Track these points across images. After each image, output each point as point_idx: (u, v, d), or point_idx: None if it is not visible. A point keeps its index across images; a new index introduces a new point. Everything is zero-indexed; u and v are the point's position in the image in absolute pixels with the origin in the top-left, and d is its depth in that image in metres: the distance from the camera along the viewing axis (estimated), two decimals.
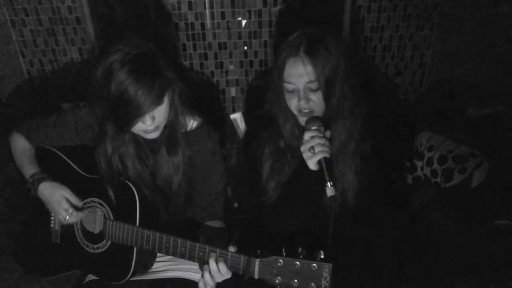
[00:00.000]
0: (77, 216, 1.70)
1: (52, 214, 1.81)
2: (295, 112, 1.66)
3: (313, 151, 1.52)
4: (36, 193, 1.72)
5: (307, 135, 1.56)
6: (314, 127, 1.57)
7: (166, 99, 1.54)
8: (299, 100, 1.61)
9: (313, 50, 1.57)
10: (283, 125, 1.73)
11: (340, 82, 1.61)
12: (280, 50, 1.65)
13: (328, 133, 1.60)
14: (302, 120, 1.65)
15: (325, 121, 1.63)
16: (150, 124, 1.52)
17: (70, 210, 1.68)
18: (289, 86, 1.62)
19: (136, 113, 1.47)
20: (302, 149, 1.56)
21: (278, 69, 1.64)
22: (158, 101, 1.49)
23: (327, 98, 1.61)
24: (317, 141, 1.53)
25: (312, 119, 1.60)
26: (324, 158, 1.52)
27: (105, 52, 1.49)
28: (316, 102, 1.61)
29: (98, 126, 1.66)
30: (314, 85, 1.59)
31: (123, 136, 1.63)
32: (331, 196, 1.50)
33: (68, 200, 1.69)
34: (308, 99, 1.60)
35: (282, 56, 1.63)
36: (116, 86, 1.43)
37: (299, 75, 1.58)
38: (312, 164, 1.55)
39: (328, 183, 1.50)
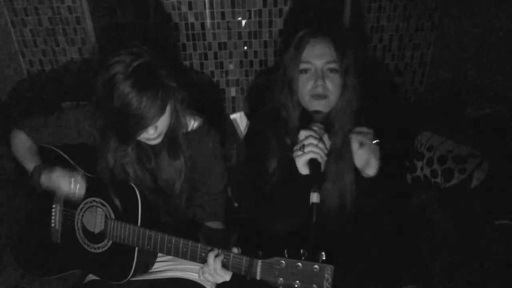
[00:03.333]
0: (81, 183, 1.71)
1: (53, 213, 1.81)
2: (307, 97, 1.65)
3: (303, 150, 1.48)
4: (39, 185, 1.72)
5: (302, 134, 1.52)
6: (314, 128, 1.54)
7: (168, 108, 1.54)
8: (315, 81, 1.61)
9: (334, 33, 1.62)
10: (292, 113, 1.72)
11: (354, 71, 1.63)
12: (297, 36, 1.66)
13: (326, 137, 1.55)
14: (313, 106, 1.65)
15: (328, 127, 1.61)
16: (153, 133, 1.53)
17: (72, 185, 1.69)
18: (307, 66, 1.62)
19: (140, 126, 1.47)
20: (294, 148, 1.52)
21: (294, 52, 1.64)
22: (161, 112, 1.49)
23: (344, 82, 1.62)
24: (310, 140, 1.48)
25: (316, 123, 1.58)
26: (312, 160, 1.47)
27: (106, 62, 1.47)
28: (332, 86, 1.61)
29: (99, 137, 1.66)
30: (333, 66, 1.60)
31: (125, 148, 1.63)
32: (313, 203, 1.39)
33: (65, 177, 1.70)
34: (324, 82, 1.60)
35: (299, 39, 1.64)
36: (119, 99, 1.42)
37: (320, 54, 1.60)
38: (300, 164, 1.50)
39: (313, 188, 1.41)
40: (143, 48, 1.51)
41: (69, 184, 1.69)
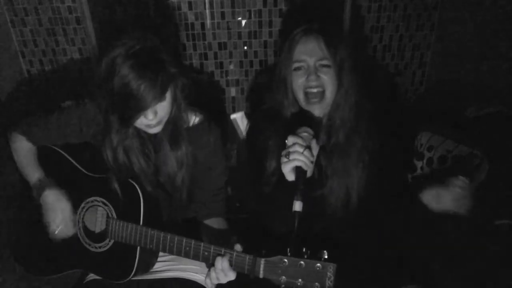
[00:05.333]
0: (67, 232, 1.74)
1: None
2: (301, 95, 1.65)
3: (288, 157, 1.46)
4: (39, 199, 1.72)
5: (290, 139, 1.50)
6: (303, 133, 1.52)
7: (168, 94, 1.55)
8: (308, 76, 1.61)
9: (326, 31, 1.63)
10: (288, 111, 1.73)
11: (350, 66, 1.64)
12: (290, 36, 1.68)
13: (314, 143, 1.53)
14: (308, 108, 1.65)
15: (317, 133, 1.60)
16: (152, 118, 1.53)
17: (60, 228, 1.71)
18: (299, 64, 1.63)
19: (139, 108, 1.48)
20: (281, 154, 1.50)
21: (287, 51, 1.66)
22: (160, 96, 1.50)
23: (339, 78, 1.62)
24: (296, 148, 1.45)
25: (305, 127, 1.55)
26: (298, 168, 1.45)
27: (109, 45, 1.50)
28: (327, 79, 1.61)
29: (103, 119, 1.66)
30: (325, 62, 1.60)
31: (127, 130, 1.64)
32: (295, 211, 1.38)
33: (64, 217, 1.71)
34: (318, 76, 1.60)
35: (292, 38, 1.65)
36: (119, 80, 1.44)
37: (311, 51, 1.61)
38: (285, 171, 1.48)
39: (296, 196, 1.39)
40: (147, 34, 1.54)
41: (56, 227, 1.71)
